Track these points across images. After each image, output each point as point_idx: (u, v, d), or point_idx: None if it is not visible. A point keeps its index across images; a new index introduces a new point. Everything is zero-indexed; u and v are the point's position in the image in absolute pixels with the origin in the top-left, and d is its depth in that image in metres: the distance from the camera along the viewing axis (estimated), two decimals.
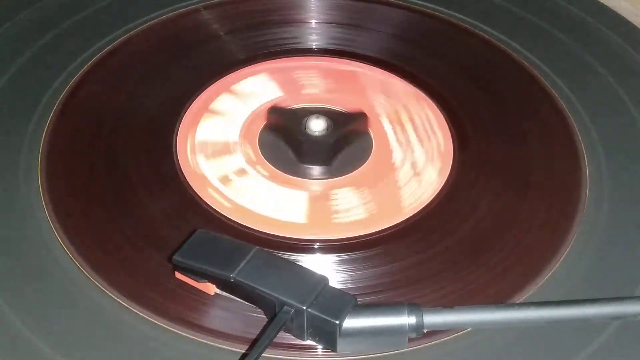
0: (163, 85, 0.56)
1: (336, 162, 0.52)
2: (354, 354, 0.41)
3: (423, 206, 0.49)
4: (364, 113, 0.54)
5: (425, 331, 0.40)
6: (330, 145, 0.52)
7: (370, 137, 0.54)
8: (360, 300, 0.41)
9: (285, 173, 0.51)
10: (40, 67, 0.57)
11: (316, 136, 0.52)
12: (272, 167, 0.51)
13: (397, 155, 0.52)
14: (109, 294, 0.43)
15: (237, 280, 0.40)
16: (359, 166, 0.52)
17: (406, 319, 0.39)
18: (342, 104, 0.55)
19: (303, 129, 0.52)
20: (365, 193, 0.50)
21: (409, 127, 0.54)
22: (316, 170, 0.51)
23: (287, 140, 0.52)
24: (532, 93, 0.56)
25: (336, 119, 0.53)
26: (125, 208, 0.48)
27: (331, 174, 0.51)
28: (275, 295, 0.40)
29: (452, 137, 0.53)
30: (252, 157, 0.52)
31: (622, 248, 0.47)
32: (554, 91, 0.56)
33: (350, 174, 0.51)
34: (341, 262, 0.46)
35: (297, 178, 0.51)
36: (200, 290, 0.43)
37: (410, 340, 0.40)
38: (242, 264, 0.41)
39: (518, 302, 0.43)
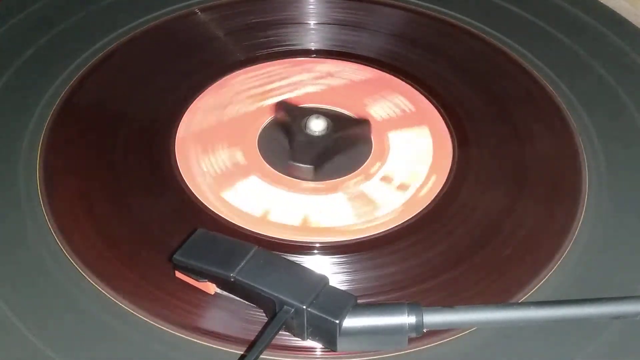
0: (163, 86, 0.56)
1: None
2: (354, 353, 0.41)
3: (423, 207, 0.49)
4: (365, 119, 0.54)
5: (425, 331, 0.40)
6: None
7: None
8: (360, 300, 0.41)
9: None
10: (40, 67, 0.57)
11: (316, 136, 0.52)
12: (333, 180, 0.51)
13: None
14: (108, 295, 0.43)
15: (237, 280, 0.40)
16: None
17: (406, 319, 0.39)
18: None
19: (303, 129, 0.52)
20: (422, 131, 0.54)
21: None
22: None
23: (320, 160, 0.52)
24: (531, 93, 0.56)
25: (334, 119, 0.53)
26: (125, 208, 0.48)
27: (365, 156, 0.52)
28: (275, 294, 0.40)
29: (451, 137, 0.53)
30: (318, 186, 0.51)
31: (622, 248, 0.47)
32: (553, 90, 0.56)
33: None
34: (341, 262, 0.46)
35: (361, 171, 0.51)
36: (200, 290, 0.43)
37: (410, 340, 0.40)
38: (242, 264, 0.41)
39: (518, 302, 0.44)
